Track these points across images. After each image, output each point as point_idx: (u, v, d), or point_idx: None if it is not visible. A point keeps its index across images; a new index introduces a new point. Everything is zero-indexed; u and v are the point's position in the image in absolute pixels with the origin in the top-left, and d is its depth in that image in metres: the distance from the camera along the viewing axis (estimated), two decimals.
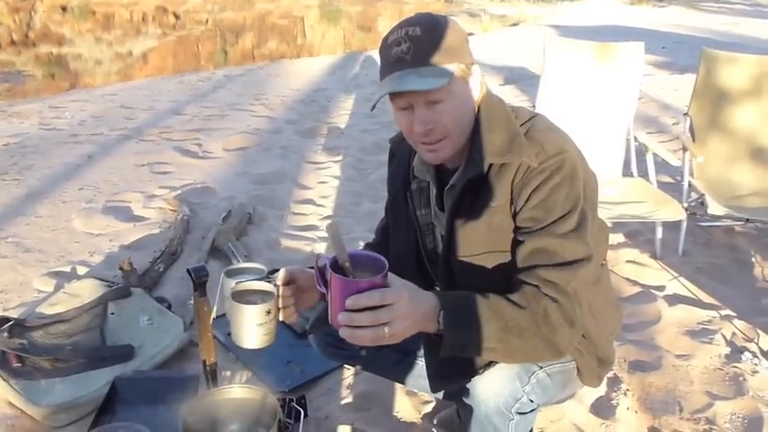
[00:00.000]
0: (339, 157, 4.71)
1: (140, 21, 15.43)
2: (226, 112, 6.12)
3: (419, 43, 1.23)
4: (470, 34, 11.37)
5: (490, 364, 1.34)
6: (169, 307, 2.54)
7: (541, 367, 1.40)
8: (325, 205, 3.83)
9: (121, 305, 2.48)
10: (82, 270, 2.98)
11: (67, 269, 2.99)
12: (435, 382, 1.51)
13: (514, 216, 1.31)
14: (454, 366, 1.35)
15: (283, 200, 3.89)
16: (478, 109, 1.34)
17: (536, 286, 1.25)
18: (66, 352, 2.20)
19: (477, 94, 1.33)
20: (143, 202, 3.81)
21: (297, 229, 3.47)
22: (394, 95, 1.26)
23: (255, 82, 7.72)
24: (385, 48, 1.28)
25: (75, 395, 2.04)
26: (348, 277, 1.13)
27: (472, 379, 1.35)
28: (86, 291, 2.54)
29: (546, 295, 1.24)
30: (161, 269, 2.89)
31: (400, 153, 1.55)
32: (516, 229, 1.31)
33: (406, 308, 1.12)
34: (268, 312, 1.22)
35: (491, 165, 1.31)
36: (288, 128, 5.54)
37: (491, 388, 1.33)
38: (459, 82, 1.27)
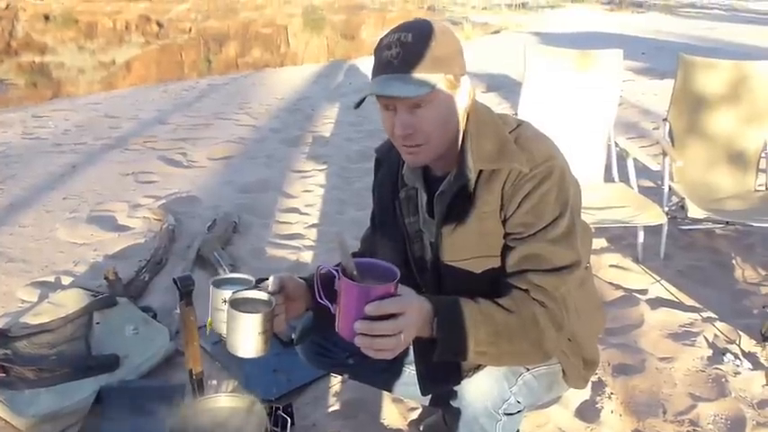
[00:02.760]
0: (324, 166, 4.72)
1: (123, 29, 15.37)
2: (210, 121, 6.11)
3: (408, 50, 1.25)
4: None
5: (478, 366, 1.36)
6: (155, 316, 2.53)
7: (528, 369, 1.43)
8: (310, 213, 3.83)
9: (107, 315, 2.47)
10: (66, 280, 2.97)
11: (52, 279, 2.98)
12: (425, 386, 1.52)
13: (504, 221, 1.33)
14: (444, 369, 1.36)
15: (268, 208, 3.89)
16: (467, 117, 1.36)
17: (525, 291, 1.27)
18: (50, 362, 2.18)
19: (464, 104, 1.35)
20: (128, 212, 3.80)
21: (282, 238, 3.48)
22: (379, 95, 1.28)
23: (240, 91, 7.72)
24: (378, 49, 1.30)
25: (60, 405, 2.03)
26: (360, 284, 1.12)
27: (460, 382, 1.37)
28: (71, 300, 2.53)
29: (535, 300, 1.26)
30: (146, 278, 2.89)
31: (387, 162, 1.56)
32: (506, 235, 1.33)
33: (417, 315, 1.15)
34: (268, 320, 1.23)
35: (481, 171, 1.33)
36: (272, 136, 5.54)
37: (479, 389, 1.35)
38: (444, 92, 1.29)
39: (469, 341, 1.21)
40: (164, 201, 3.95)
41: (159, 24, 15.83)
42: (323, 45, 13.17)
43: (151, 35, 14.55)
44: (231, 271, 2.89)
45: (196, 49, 12.56)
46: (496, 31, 13.15)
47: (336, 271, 1.15)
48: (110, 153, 5.05)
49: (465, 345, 1.21)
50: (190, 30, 15.00)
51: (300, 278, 1.39)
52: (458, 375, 1.37)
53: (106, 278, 2.73)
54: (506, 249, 1.33)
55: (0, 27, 14.57)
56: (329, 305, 1.19)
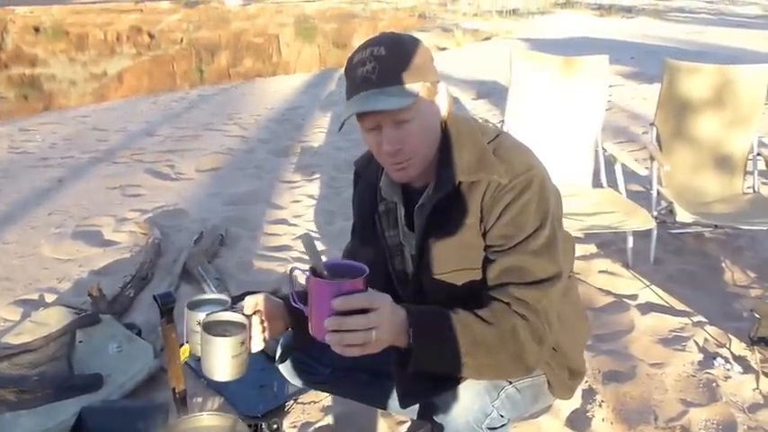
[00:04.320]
0: (312, 176, 4.70)
1: (114, 40, 15.37)
2: (199, 132, 6.09)
3: (384, 63, 1.23)
4: (443, 49, 11.47)
5: (460, 380, 1.33)
6: (139, 333, 2.49)
7: (511, 382, 1.40)
8: (298, 224, 3.81)
9: (90, 333, 2.44)
10: (50, 297, 2.93)
11: (35, 297, 2.94)
12: (404, 398, 1.50)
13: (484, 234, 1.31)
14: (423, 382, 1.33)
15: (256, 220, 3.87)
16: (445, 126, 1.35)
17: (506, 303, 1.25)
18: (32, 383, 2.15)
19: (443, 112, 1.33)
20: (114, 226, 3.77)
21: (270, 250, 3.45)
22: (361, 116, 1.25)
23: (230, 101, 7.71)
24: (350, 68, 1.27)
25: (42, 427, 1.99)
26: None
27: (442, 395, 1.34)
28: (54, 319, 2.50)
29: (516, 313, 1.24)
30: (131, 294, 2.85)
31: (366, 175, 1.55)
32: (487, 247, 1.31)
33: (390, 314, 1.13)
34: (242, 343, 1.21)
35: (460, 183, 1.31)
36: (261, 147, 5.52)
37: (461, 404, 1.33)
38: (426, 100, 1.27)
39: (446, 351, 1.19)
40: (150, 214, 3.92)
41: (150, 35, 15.84)
42: (315, 54, 13.19)
43: (142, 46, 14.55)
44: (217, 285, 2.87)
45: (188, 60, 12.54)
46: (487, 38, 13.19)
47: (307, 272, 1.14)
48: (97, 166, 5.02)
49: (440, 355, 1.20)
50: (181, 40, 15.00)
51: (278, 297, 1.37)
52: (436, 388, 1.35)
53: (90, 295, 2.70)
54: (487, 262, 1.31)
55: None
56: (303, 308, 1.17)
